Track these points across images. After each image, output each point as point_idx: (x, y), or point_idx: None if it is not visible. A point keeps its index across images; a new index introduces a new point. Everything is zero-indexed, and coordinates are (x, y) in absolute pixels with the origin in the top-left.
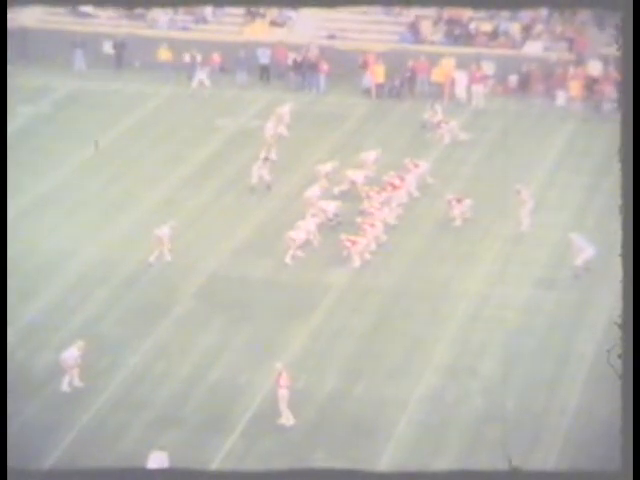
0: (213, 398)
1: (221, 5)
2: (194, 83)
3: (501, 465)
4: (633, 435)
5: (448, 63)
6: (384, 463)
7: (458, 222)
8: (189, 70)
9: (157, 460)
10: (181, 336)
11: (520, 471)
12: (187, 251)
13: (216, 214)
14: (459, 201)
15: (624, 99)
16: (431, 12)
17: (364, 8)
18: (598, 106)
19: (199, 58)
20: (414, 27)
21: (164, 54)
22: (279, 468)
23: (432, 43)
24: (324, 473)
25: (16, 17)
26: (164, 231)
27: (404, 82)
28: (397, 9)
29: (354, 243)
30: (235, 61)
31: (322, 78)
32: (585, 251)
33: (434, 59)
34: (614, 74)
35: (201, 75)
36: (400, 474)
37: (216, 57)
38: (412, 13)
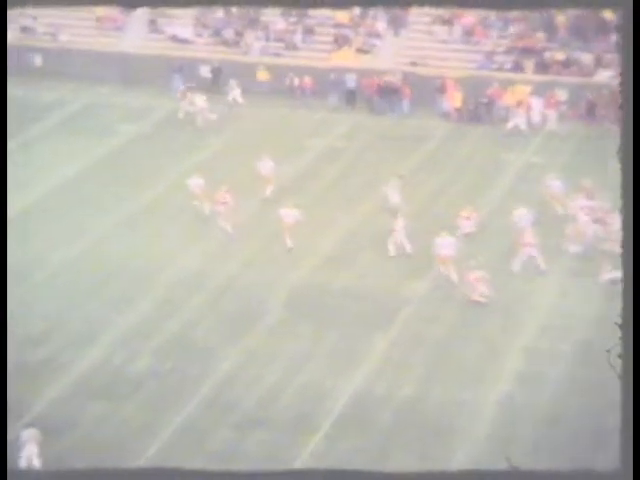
0: (299, 401)
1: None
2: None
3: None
4: (633, 435)
5: (522, 90)
6: (458, 463)
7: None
8: (286, 93)
9: (27, 434)
10: (270, 343)
11: (519, 470)
12: (277, 263)
13: (305, 227)
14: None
15: (624, 99)
16: (506, 42)
17: (444, 37)
18: None
19: (297, 81)
20: (491, 55)
21: (263, 75)
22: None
23: (507, 70)
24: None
25: (118, 43)
26: (290, 214)
27: (480, 107)
28: (475, 39)
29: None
30: (325, 85)
31: (405, 102)
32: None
33: (509, 85)
34: None
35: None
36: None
37: (308, 81)
38: (489, 42)
